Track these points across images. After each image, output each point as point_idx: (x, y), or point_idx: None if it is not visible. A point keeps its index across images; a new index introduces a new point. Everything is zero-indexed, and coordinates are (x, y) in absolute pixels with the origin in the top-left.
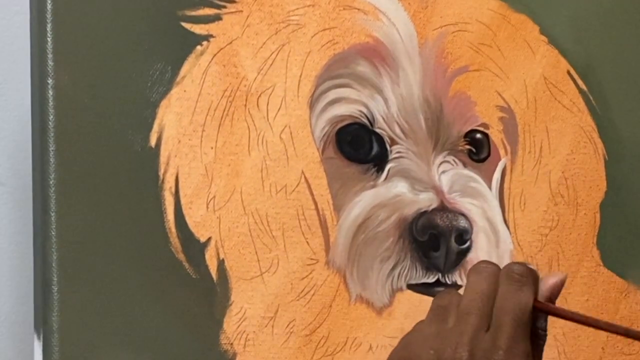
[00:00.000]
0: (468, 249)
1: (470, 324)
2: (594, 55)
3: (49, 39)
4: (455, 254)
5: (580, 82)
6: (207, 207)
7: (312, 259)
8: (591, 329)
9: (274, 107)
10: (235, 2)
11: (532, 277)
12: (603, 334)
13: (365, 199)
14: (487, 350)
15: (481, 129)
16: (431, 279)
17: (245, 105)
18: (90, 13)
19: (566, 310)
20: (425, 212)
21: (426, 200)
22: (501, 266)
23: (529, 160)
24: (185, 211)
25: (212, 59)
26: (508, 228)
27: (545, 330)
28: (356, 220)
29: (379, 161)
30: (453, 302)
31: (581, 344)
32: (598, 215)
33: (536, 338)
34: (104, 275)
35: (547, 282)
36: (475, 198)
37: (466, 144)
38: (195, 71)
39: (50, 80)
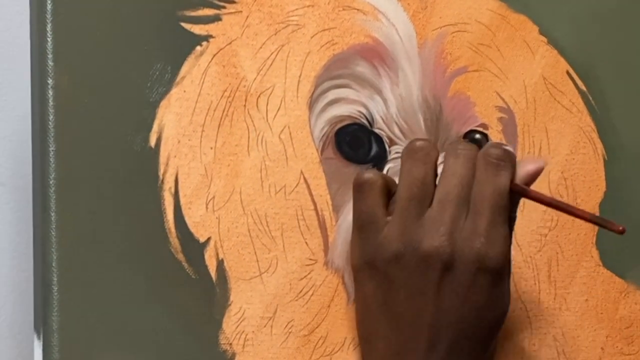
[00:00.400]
0: None
1: (449, 212)
2: (593, 56)
3: (49, 39)
4: None
5: (579, 83)
6: (207, 208)
7: (311, 259)
8: (591, 329)
9: (274, 107)
10: (234, 2)
11: (509, 160)
12: (602, 335)
13: None
14: (468, 239)
15: (480, 129)
16: None
17: (245, 105)
18: (90, 13)
19: (543, 194)
20: None
21: None
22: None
23: None
24: (184, 211)
25: (211, 59)
26: None
27: (515, 213)
28: None
29: (378, 161)
30: (428, 155)
31: (580, 344)
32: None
33: (509, 221)
34: (104, 275)
35: (526, 168)
36: None
37: None
38: (195, 71)
39: (50, 80)
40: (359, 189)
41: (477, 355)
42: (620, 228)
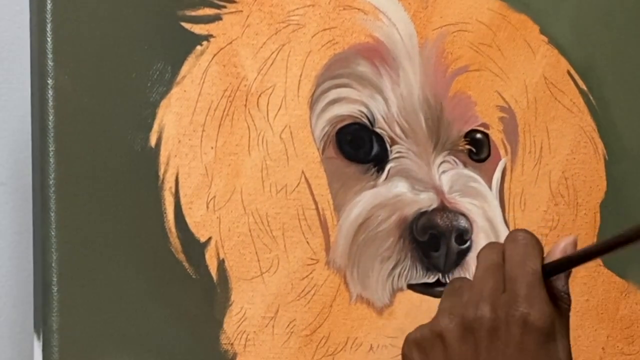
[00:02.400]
0: (468, 249)
1: (487, 286)
2: (594, 55)
3: (49, 39)
4: (456, 254)
5: (580, 82)
6: (207, 207)
7: (312, 259)
8: (592, 329)
9: (274, 107)
10: (235, 2)
11: (535, 240)
12: (603, 335)
13: (365, 199)
14: (508, 304)
15: (481, 128)
16: (431, 279)
17: (246, 105)
18: (90, 13)
19: (573, 256)
20: (425, 212)
21: (426, 200)
22: None
23: (529, 160)
24: (185, 211)
25: (212, 59)
26: (508, 228)
27: (567, 293)
28: (356, 220)
29: (379, 161)
30: (465, 282)
31: (581, 344)
32: (598, 215)
33: (560, 302)
34: (104, 275)
35: (559, 246)
36: (475, 198)
37: (466, 144)
38: (195, 71)
39: (50, 80)
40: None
41: None
42: None
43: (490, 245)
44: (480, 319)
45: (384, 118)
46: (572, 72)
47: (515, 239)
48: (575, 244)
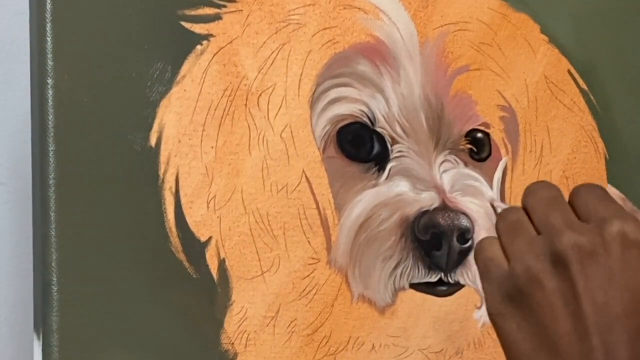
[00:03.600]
0: (470, 248)
1: (558, 216)
2: (595, 55)
3: (49, 39)
4: (458, 254)
5: (581, 82)
6: (208, 207)
7: (313, 258)
8: None
9: (275, 106)
10: (235, 1)
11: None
12: None
13: (366, 199)
14: (599, 225)
15: (482, 128)
16: (434, 279)
17: (246, 104)
18: (90, 13)
19: None
20: (427, 211)
21: (428, 200)
22: None
23: (530, 159)
24: (185, 211)
25: (212, 58)
26: None
27: None
28: (358, 219)
29: (380, 161)
30: (521, 216)
31: None
32: None
33: None
34: (104, 275)
35: None
36: (476, 197)
37: (467, 144)
38: (196, 71)
39: (50, 80)
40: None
41: None
42: None
43: (543, 186)
44: (575, 248)
45: (385, 118)
46: (573, 71)
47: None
48: None
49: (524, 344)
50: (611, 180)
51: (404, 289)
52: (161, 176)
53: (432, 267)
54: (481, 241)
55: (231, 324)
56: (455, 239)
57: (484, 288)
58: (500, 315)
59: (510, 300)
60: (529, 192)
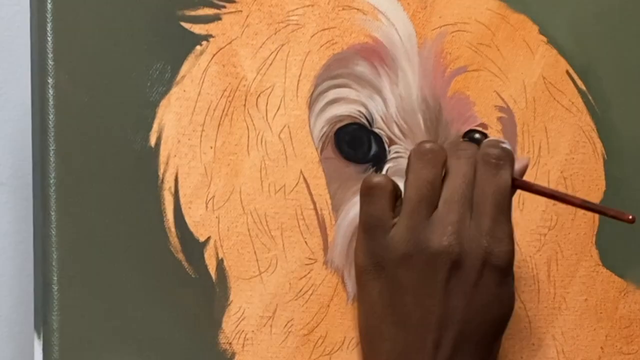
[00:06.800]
0: None
1: (455, 212)
2: (593, 55)
3: (49, 39)
4: None
5: (579, 82)
6: (207, 207)
7: (310, 258)
8: (590, 329)
9: (273, 107)
10: (234, 2)
11: (508, 158)
12: (602, 334)
13: None
14: (474, 237)
15: (480, 128)
16: None
17: (245, 105)
18: (90, 13)
19: (543, 186)
20: None
21: None
22: None
23: None
24: (184, 211)
25: (211, 58)
26: None
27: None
28: (354, 220)
29: (377, 161)
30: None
31: (580, 344)
32: (597, 215)
33: None
34: (104, 275)
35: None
36: None
37: None
38: (195, 71)
39: (50, 80)
40: (368, 192)
41: (483, 353)
42: (630, 217)
43: (463, 153)
44: (446, 252)
45: (382, 118)
46: (571, 72)
47: (488, 159)
48: (527, 166)
49: (379, 307)
50: (609, 181)
51: None
52: (160, 176)
53: None
54: (373, 183)
55: (229, 324)
56: None
57: (360, 239)
58: (366, 273)
59: (377, 269)
60: (452, 151)
